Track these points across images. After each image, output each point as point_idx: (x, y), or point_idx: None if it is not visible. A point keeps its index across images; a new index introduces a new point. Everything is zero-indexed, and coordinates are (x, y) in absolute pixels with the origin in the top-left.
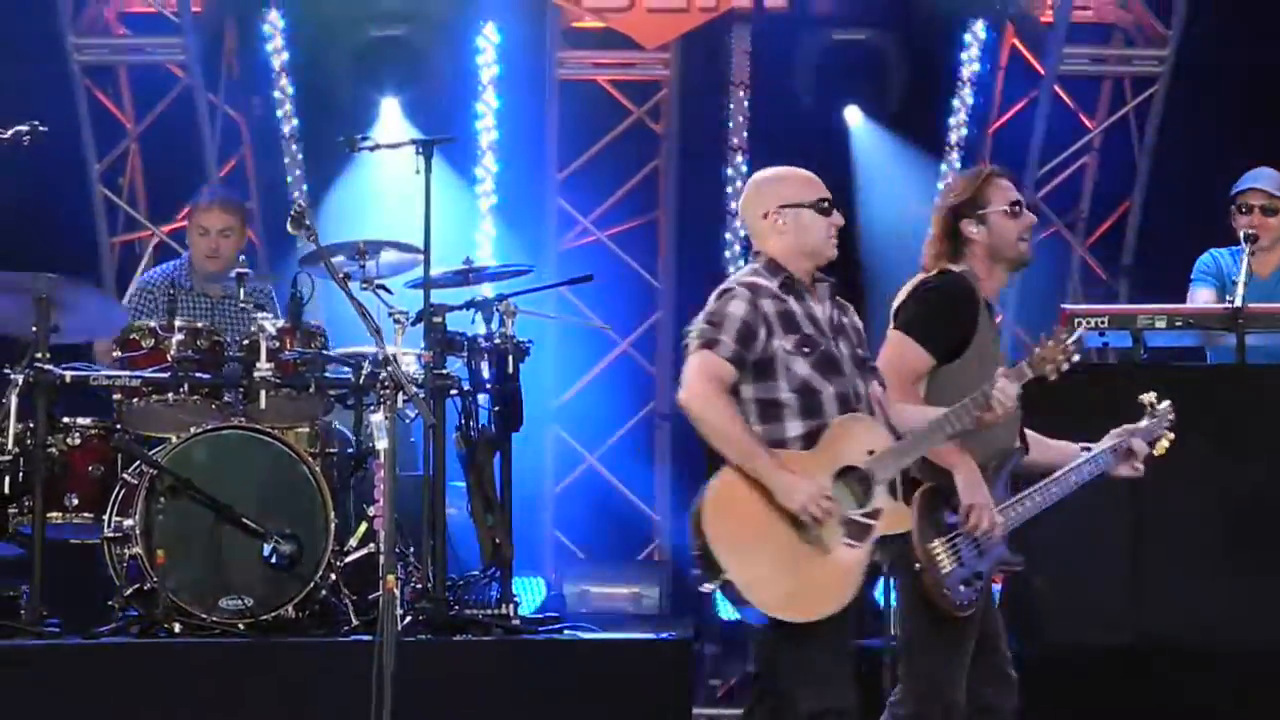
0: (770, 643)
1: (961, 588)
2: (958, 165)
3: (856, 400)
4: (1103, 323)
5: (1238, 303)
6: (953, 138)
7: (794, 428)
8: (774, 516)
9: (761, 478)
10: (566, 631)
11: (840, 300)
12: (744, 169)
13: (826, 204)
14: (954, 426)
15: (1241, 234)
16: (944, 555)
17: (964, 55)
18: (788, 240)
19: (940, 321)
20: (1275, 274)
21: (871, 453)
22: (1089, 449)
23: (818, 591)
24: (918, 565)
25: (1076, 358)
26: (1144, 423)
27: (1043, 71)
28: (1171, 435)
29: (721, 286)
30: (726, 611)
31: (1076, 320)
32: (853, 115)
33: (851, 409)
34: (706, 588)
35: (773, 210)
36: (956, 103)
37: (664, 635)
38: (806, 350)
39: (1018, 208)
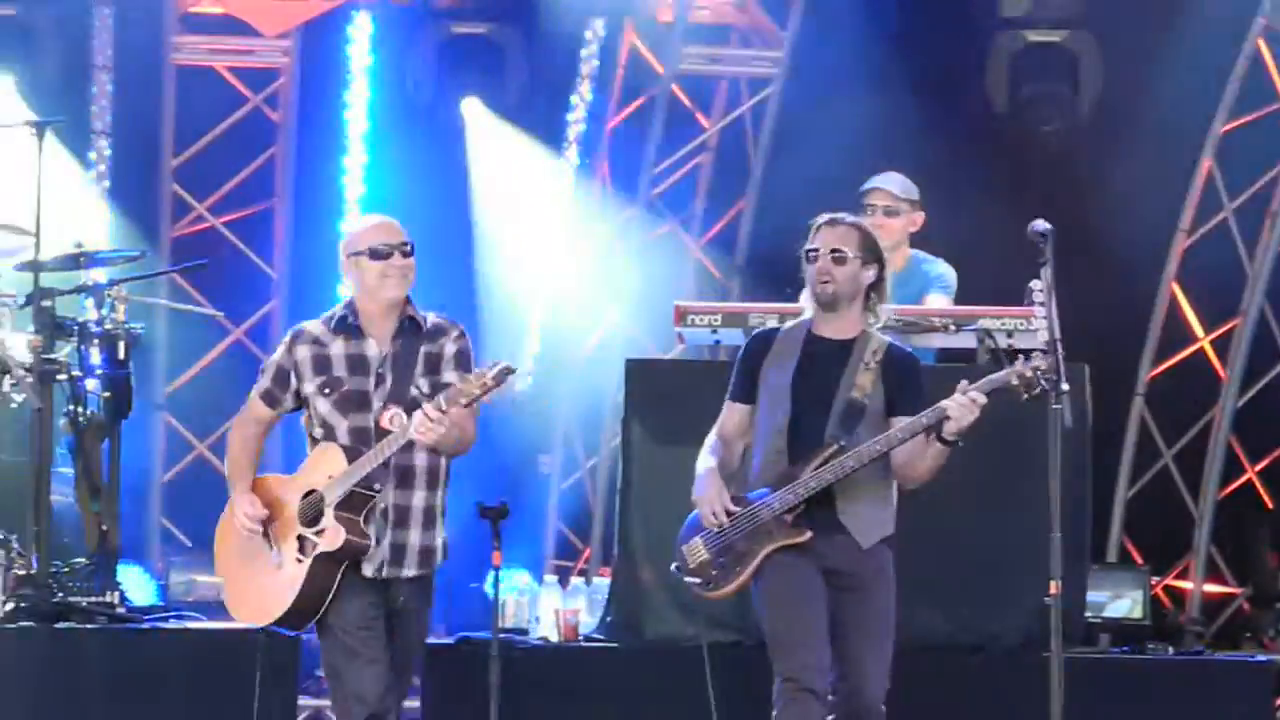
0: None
1: None
2: (575, 160)
3: (378, 434)
4: (716, 320)
5: None
6: (571, 133)
7: None
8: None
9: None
10: (173, 620)
11: (440, 327)
12: (363, 158)
13: (377, 249)
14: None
15: None
16: None
17: (583, 52)
18: (354, 284)
19: None
20: (898, 274)
21: (330, 476)
22: None
23: (263, 599)
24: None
25: (499, 389)
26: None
27: (661, 70)
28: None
29: None
30: None
31: (690, 317)
32: (472, 108)
33: (369, 441)
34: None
35: (346, 258)
36: (575, 99)
37: (272, 625)
38: (327, 391)
39: None
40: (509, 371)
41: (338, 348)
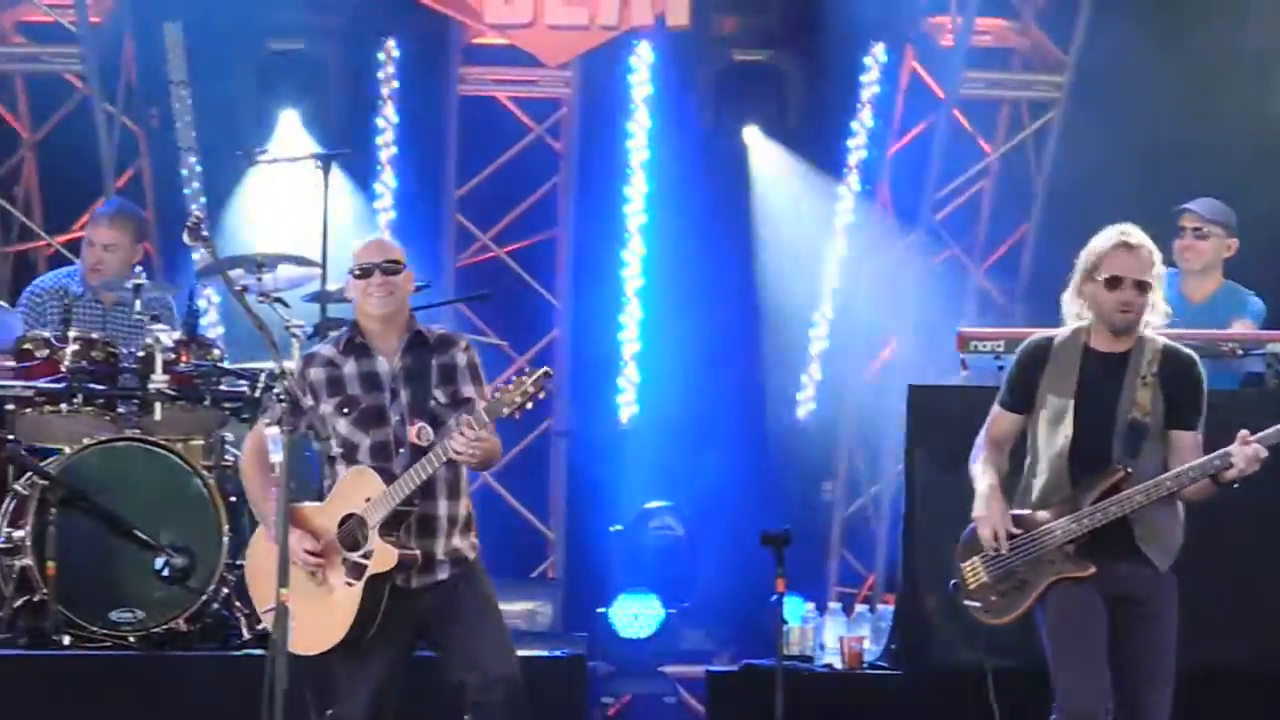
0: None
1: None
2: (856, 187)
3: (398, 447)
4: (999, 346)
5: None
6: (852, 160)
7: (343, 473)
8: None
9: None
10: None
11: (447, 339)
12: (644, 187)
13: (361, 269)
14: (434, 467)
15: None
16: None
17: (864, 78)
18: (354, 304)
19: None
20: (1208, 300)
21: (368, 500)
22: None
23: (318, 628)
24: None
25: (540, 396)
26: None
27: (942, 95)
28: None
29: None
30: (624, 630)
31: (973, 343)
32: (752, 135)
33: (391, 456)
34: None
35: (347, 280)
36: (856, 125)
37: (558, 652)
38: (346, 410)
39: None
40: (548, 376)
41: (350, 367)
